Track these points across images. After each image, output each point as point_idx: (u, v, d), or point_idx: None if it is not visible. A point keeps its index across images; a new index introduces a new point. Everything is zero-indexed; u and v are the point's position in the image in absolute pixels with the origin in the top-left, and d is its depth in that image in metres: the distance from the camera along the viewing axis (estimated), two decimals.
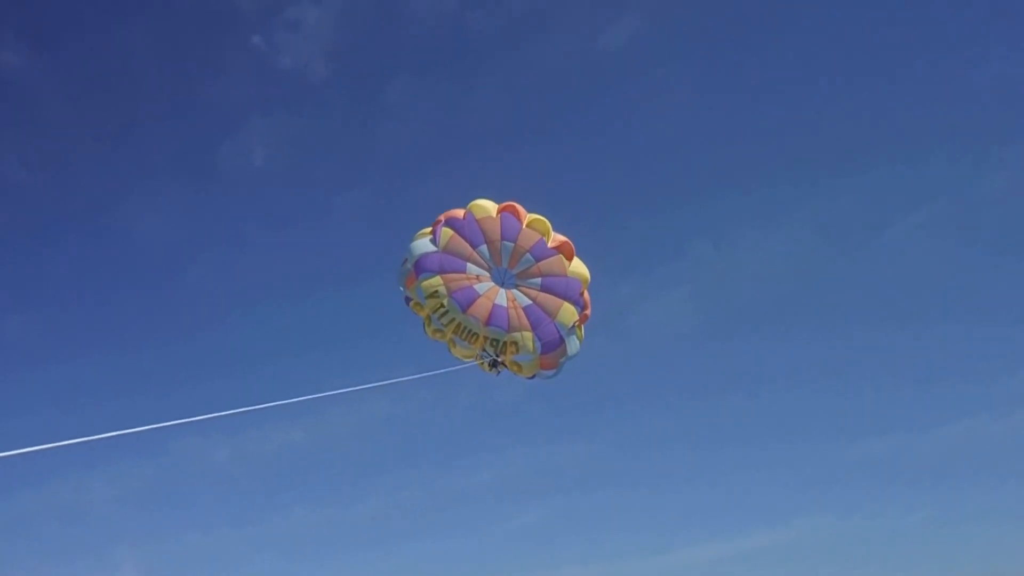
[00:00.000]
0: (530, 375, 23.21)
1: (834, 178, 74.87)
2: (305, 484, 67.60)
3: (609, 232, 72.93)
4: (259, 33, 70.09)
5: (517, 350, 22.48)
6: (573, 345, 22.60)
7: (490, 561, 59.07)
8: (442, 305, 22.05)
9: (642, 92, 76.68)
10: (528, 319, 22.31)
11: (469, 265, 22.17)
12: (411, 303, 22.73)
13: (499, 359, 22.71)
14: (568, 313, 22.25)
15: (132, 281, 75.99)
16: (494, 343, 22.56)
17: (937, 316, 69.88)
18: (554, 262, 22.22)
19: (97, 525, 61.63)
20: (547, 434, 69.30)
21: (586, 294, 22.57)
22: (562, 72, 75.76)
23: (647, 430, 68.37)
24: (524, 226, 22.09)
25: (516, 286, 22.61)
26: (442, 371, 22.03)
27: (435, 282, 21.95)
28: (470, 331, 22.38)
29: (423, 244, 22.13)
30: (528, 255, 22.19)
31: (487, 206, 22.22)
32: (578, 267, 22.37)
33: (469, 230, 22.12)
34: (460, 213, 22.29)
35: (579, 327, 22.60)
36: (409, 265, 22.19)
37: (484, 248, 22.17)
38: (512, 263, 22.39)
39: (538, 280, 22.34)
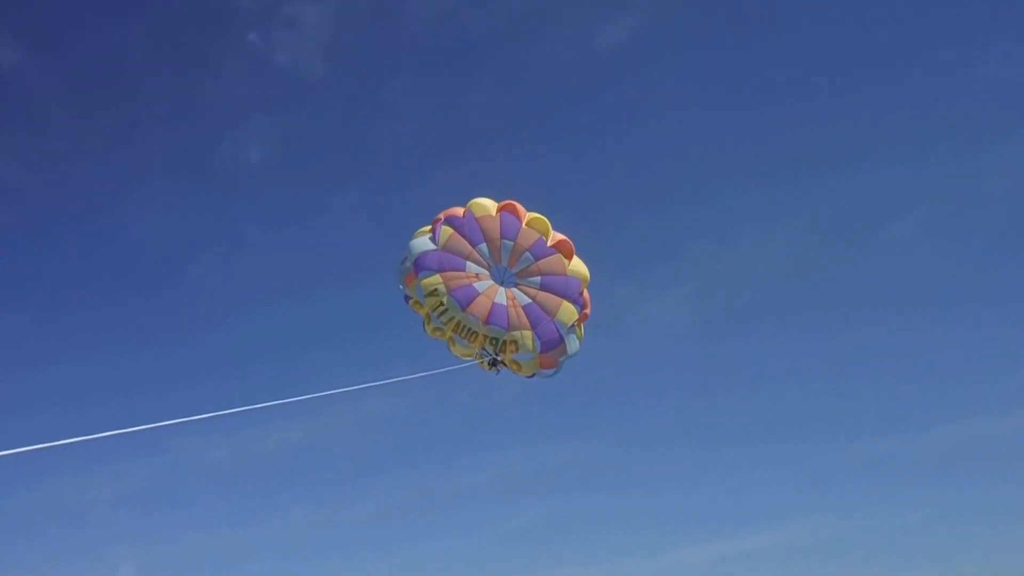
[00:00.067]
0: (529, 374, 23.19)
1: (833, 177, 75.08)
2: (304, 483, 67.80)
3: (609, 231, 73.02)
4: (256, 31, 69.97)
5: (516, 349, 22.45)
6: (573, 344, 22.58)
7: (489, 561, 59.13)
8: (441, 303, 22.03)
9: (640, 91, 76.84)
10: (528, 318, 22.28)
11: (469, 263, 22.15)
12: (411, 301, 22.72)
13: (498, 358, 22.69)
14: (568, 312, 22.22)
15: (131, 280, 76.14)
16: (493, 342, 22.54)
17: (937, 315, 70.09)
18: (553, 261, 22.19)
19: (96, 525, 61.77)
20: (546, 433, 69.40)
21: (586, 293, 22.54)
22: (560, 71, 75.80)
23: (646, 430, 68.53)
24: (524, 225, 22.07)
25: (516, 285, 22.59)
26: (441, 370, 22.01)
27: (435, 280, 21.93)
28: (469, 330, 22.36)
29: (423, 242, 22.11)
30: (528, 253, 22.17)
31: (487, 204, 22.20)
32: (577, 266, 22.35)
33: (469, 228, 22.09)
34: (460, 211, 22.26)
35: (579, 326, 22.57)
36: (409, 263, 22.17)
37: (484, 246, 22.15)
38: (512, 262, 22.37)
39: (537, 279, 22.32)
